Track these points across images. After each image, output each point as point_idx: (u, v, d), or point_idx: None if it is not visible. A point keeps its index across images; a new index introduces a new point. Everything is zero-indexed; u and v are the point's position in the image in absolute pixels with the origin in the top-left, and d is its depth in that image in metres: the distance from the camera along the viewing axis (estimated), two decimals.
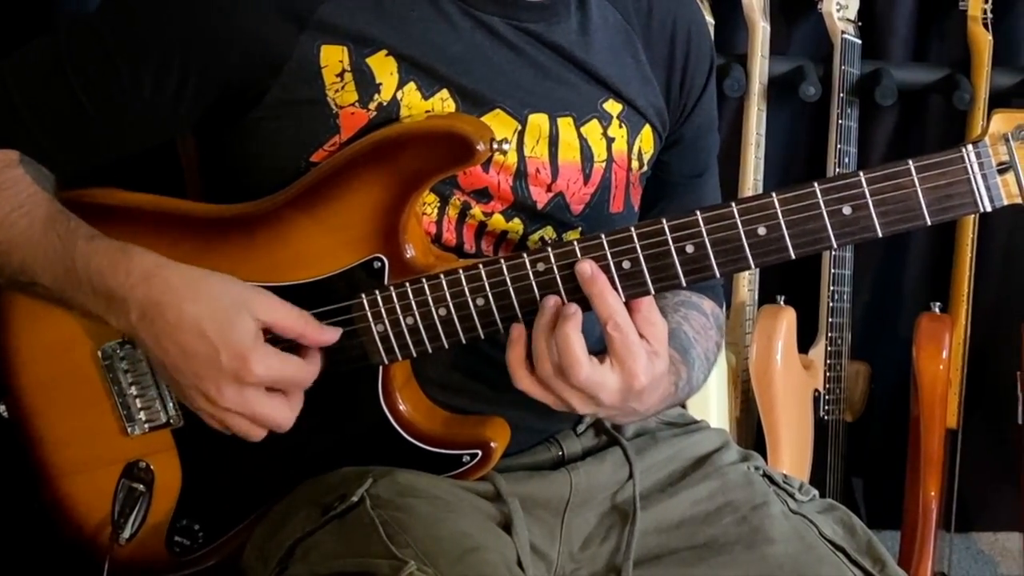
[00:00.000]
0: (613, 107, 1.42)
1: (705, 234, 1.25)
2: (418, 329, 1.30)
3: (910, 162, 1.22)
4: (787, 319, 2.37)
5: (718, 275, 1.26)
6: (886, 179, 1.22)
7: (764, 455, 2.29)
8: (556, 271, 1.27)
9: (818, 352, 2.46)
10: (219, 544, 1.41)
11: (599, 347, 1.26)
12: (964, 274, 2.47)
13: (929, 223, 1.22)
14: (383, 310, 1.30)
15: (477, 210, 1.36)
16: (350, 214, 1.29)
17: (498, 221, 1.37)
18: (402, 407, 1.34)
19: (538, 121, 1.37)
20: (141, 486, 1.39)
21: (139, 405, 1.38)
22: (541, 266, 1.27)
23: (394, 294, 1.30)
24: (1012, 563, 2.75)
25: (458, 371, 1.38)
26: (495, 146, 1.30)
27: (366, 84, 1.31)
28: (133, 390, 1.38)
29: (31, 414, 1.42)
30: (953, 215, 1.23)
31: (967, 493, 2.59)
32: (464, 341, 1.30)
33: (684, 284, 1.26)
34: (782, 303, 2.40)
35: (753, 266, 1.26)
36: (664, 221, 1.25)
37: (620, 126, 1.43)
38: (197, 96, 1.32)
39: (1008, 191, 1.22)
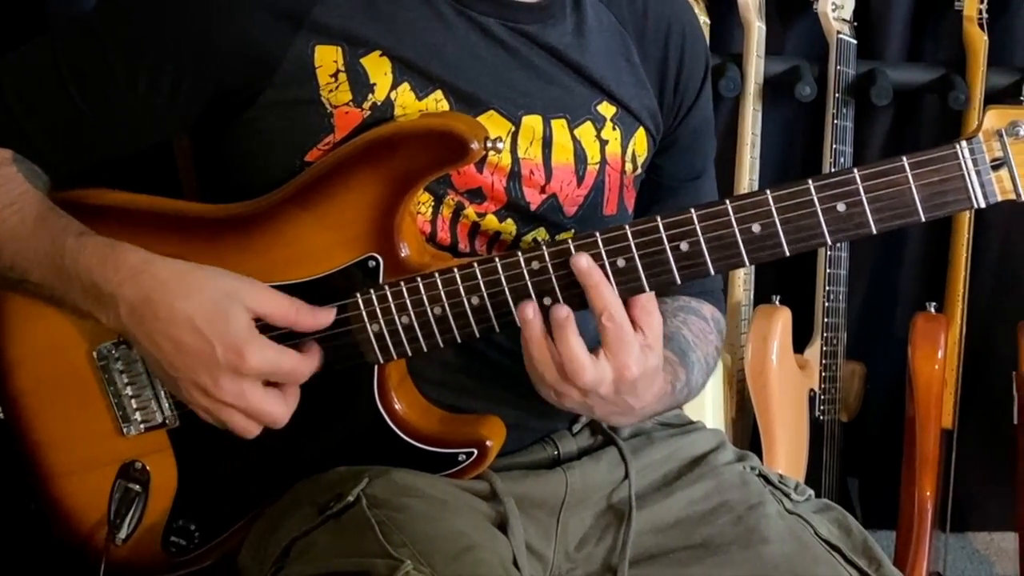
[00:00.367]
0: (607, 109, 1.43)
1: (700, 231, 1.25)
2: (413, 328, 1.30)
3: (904, 158, 1.22)
4: (783, 319, 2.37)
5: (713, 272, 1.26)
6: (880, 175, 1.22)
7: (760, 455, 2.28)
8: (551, 269, 1.27)
9: (814, 352, 2.46)
10: (215, 544, 1.41)
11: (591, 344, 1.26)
12: (960, 274, 2.47)
13: (923, 219, 1.22)
14: (378, 309, 1.30)
15: (470, 210, 1.36)
16: (345, 213, 1.29)
17: (491, 222, 1.38)
18: (398, 406, 1.34)
19: (532, 122, 1.37)
20: (137, 486, 1.39)
21: (135, 405, 1.38)
22: (536, 264, 1.27)
23: (389, 293, 1.30)
24: (1007, 563, 2.75)
25: (454, 370, 1.38)
26: (489, 145, 1.30)
27: (360, 84, 1.31)
28: (129, 390, 1.38)
29: (27, 415, 1.42)
30: (947, 211, 1.23)
31: (962, 493, 2.59)
32: (459, 340, 1.30)
33: (679, 282, 1.26)
34: (777, 303, 2.40)
35: (748, 263, 1.25)
36: (659, 219, 1.25)
37: (614, 128, 1.43)
38: (192, 96, 1.32)
39: (1002, 187, 1.23)
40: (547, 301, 1.27)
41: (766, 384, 2.35)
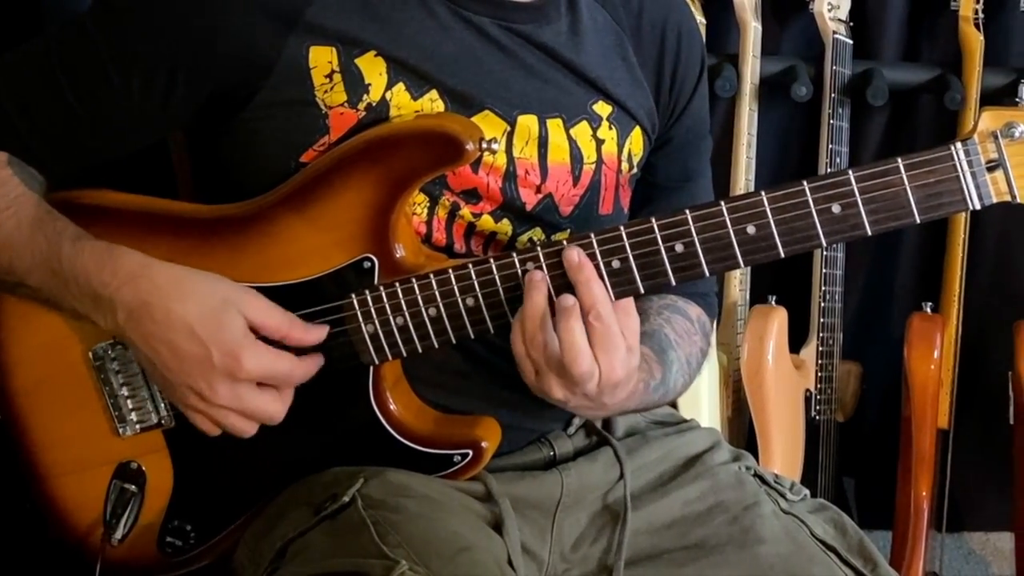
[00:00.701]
0: (603, 109, 1.42)
1: (694, 233, 1.25)
2: (408, 329, 1.30)
3: (899, 160, 1.22)
4: (778, 319, 2.37)
5: (707, 274, 1.26)
6: (875, 177, 1.22)
7: (755, 455, 2.29)
8: (545, 270, 1.26)
9: (809, 352, 2.46)
10: (211, 545, 1.41)
11: None
12: (956, 274, 2.47)
13: (918, 221, 1.22)
14: (373, 310, 1.30)
15: (466, 211, 1.36)
16: (340, 214, 1.29)
17: (487, 222, 1.37)
18: (393, 407, 1.34)
19: (527, 122, 1.37)
20: (133, 487, 1.39)
21: (130, 406, 1.38)
22: (531, 265, 1.27)
23: (384, 294, 1.30)
24: (1003, 563, 2.75)
25: (449, 371, 1.38)
26: (484, 146, 1.30)
27: (355, 85, 1.31)
28: (124, 391, 1.38)
29: (23, 415, 1.42)
30: (942, 213, 1.23)
31: (958, 493, 2.58)
32: (454, 341, 1.30)
33: (674, 283, 1.26)
34: (773, 303, 2.40)
35: (743, 265, 1.26)
36: (653, 220, 1.25)
37: (610, 128, 1.43)
38: (186, 98, 1.32)
39: (997, 189, 1.23)
40: None
41: (762, 384, 2.35)
